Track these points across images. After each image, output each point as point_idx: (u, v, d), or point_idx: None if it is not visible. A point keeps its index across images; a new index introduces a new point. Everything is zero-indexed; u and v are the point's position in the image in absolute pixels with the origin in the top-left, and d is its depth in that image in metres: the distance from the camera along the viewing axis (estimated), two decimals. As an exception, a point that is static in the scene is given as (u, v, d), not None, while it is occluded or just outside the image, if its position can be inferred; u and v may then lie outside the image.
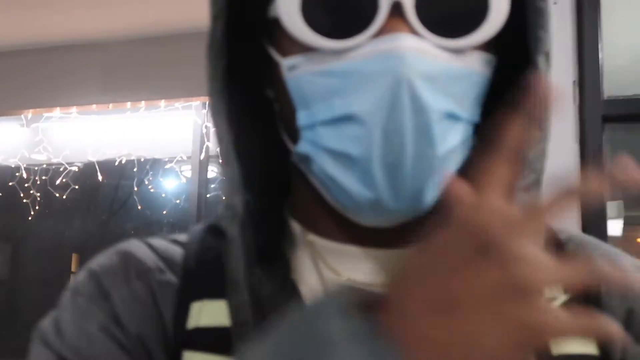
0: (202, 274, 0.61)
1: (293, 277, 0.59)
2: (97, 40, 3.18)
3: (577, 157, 2.03)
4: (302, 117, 0.54)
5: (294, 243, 0.62)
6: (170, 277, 0.60)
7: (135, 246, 0.63)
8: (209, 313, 0.59)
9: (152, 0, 2.87)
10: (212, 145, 3.25)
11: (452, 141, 0.52)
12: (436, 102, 0.50)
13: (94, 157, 3.39)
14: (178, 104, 3.22)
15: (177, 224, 4.06)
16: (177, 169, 3.55)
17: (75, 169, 3.48)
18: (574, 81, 2.03)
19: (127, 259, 0.61)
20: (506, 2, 0.53)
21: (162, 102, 3.20)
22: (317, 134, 0.53)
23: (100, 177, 3.43)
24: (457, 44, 0.52)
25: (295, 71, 0.54)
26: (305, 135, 0.54)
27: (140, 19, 3.04)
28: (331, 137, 0.52)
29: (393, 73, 0.48)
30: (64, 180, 3.49)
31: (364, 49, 0.50)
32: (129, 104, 3.24)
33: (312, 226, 0.61)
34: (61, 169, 3.47)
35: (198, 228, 0.65)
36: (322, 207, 0.58)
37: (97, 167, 3.41)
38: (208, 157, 3.27)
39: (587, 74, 2.03)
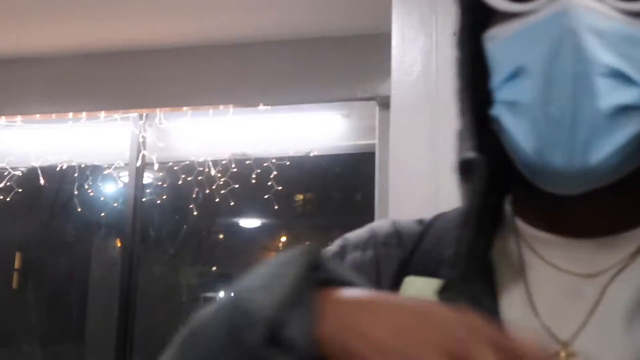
0: (425, 253, 0.64)
1: (494, 260, 0.59)
2: (43, 55, 3.24)
3: None
4: (494, 80, 0.55)
5: (505, 225, 0.62)
6: (397, 251, 0.65)
7: (381, 223, 0.71)
8: (416, 286, 0.61)
9: (95, 17, 2.94)
10: (148, 154, 3.39)
11: (621, 100, 0.49)
12: (603, 56, 0.48)
13: (37, 163, 3.45)
14: (117, 115, 3.31)
15: (114, 226, 4.10)
16: (115, 175, 3.62)
17: (19, 173, 3.53)
18: None
19: (370, 232, 0.69)
20: None
21: (102, 114, 3.28)
22: (502, 92, 0.54)
23: (42, 181, 3.49)
24: (634, 7, 0.50)
25: (492, 41, 0.57)
26: (495, 96, 0.55)
27: (84, 36, 3.12)
28: (509, 91, 0.53)
29: (560, 26, 0.48)
30: (7, 183, 3.54)
31: (541, 10, 0.52)
32: (71, 114, 3.31)
33: (520, 211, 0.62)
34: (5, 173, 3.52)
35: (449, 212, 0.69)
36: (526, 190, 0.58)
37: (39, 172, 3.46)
38: (144, 165, 3.39)
39: None
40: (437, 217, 0.68)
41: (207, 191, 3.62)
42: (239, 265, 8.56)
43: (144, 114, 3.30)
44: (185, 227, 7.48)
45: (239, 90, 3.13)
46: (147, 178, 3.63)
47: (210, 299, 8.74)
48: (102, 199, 3.90)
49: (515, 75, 0.52)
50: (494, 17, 0.55)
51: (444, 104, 2.05)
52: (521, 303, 0.57)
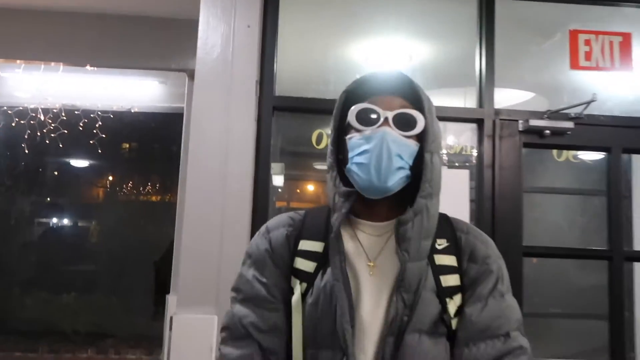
0: (307, 228, 1.21)
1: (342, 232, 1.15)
2: None
3: (256, 133, 2.37)
4: (350, 154, 1.13)
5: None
6: (293, 229, 1.21)
7: (281, 217, 1.24)
8: (309, 245, 1.18)
9: None
10: None
11: (399, 164, 1.11)
12: (394, 148, 1.10)
13: None
14: None
15: None
16: None
17: None
18: (256, 80, 2.36)
19: (280, 220, 1.23)
20: (423, 122, 1.12)
21: None
22: (354, 159, 1.12)
23: None
24: (405, 134, 1.12)
25: (351, 140, 1.14)
26: (350, 161, 1.13)
27: None
28: (358, 158, 1.11)
29: (381, 137, 1.10)
30: None
31: (374, 130, 1.11)
32: None
33: (354, 213, 1.19)
34: None
35: (317, 207, 1.26)
36: (357, 207, 1.17)
37: None
38: None
39: (266, 77, 2.41)
40: (308, 211, 1.27)
41: (39, 134, 3.90)
42: (70, 197, 8.70)
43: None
44: (22, 163, 7.43)
45: (69, 51, 3.30)
46: None
47: (43, 224, 8.75)
48: None
49: (362, 153, 1.11)
50: (350, 129, 1.15)
51: (236, 79, 2.35)
52: (355, 247, 1.17)
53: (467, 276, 1.15)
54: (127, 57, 3.36)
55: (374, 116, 1.11)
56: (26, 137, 3.89)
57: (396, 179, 1.10)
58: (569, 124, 2.31)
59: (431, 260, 1.14)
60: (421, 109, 1.13)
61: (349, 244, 1.16)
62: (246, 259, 1.22)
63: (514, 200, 2.34)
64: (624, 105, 2.49)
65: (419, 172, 1.13)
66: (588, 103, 2.23)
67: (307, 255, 1.17)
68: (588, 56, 2.36)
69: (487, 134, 2.38)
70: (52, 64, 3.39)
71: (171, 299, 2.18)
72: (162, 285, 2.20)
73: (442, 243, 1.17)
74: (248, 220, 2.25)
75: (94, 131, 3.87)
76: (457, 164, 2.75)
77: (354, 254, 1.15)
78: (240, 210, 2.25)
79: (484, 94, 2.42)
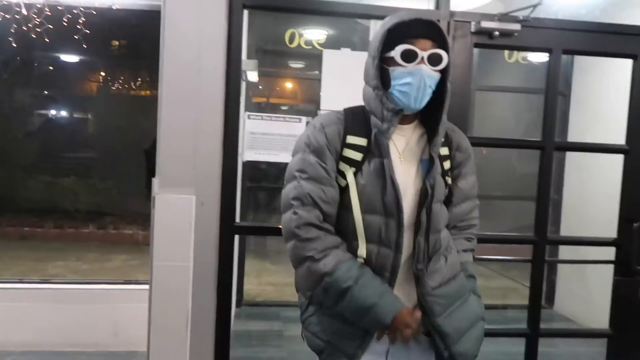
0: (352, 125, 1.47)
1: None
2: None
3: (227, 30, 2.20)
4: (393, 82, 1.41)
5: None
6: (341, 126, 1.47)
7: (330, 114, 1.50)
8: (355, 140, 1.45)
9: None
10: None
11: (429, 91, 1.41)
12: (428, 81, 1.39)
13: None
14: None
15: None
16: None
17: None
18: None
19: (329, 117, 1.49)
20: (447, 59, 1.39)
21: None
22: (396, 87, 1.41)
23: None
24: (434, 69, 1.39)
25: (394, 71, 1.41)
26: (393, 87, 1.42)
27: None
28: (401, 88, 1.40)
29: (420, 73, 1.38)
30: None
31: (413, 66, 1.38)
32: None
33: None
34: None
35: (353, 107, 1.52)
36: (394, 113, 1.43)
37: None
38: None
39: None
40: (347, 111, 1.52)
41: (25, 29, 3.68)
42: (65, 91, 8.47)
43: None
44: (18, 58, 7.09)
45: None
46: None
47: (42, 115, 8.59)
48: None
49: (405, 84, 1.39)
50: (392, 62, 1.40)
51: None
52: (391, 143, 1.45)
53: (455, 161, 1.56)
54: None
55: (414, 55, 1.36)
56: (12, 31, 3.67)
57: (424, 102, 1.41)
58: (516, 26, 2.25)
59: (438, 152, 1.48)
60: (445, 49, 1.39)
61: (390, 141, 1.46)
62: (306, 148, 1.43)
63: (464, 96, 2.33)
64: (568, 9, 2.42)
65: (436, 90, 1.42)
66: (534, 6, 2.16)
67: (355, 147, 1.44)
68: (539, -40, 2.24)
69: (442, 34, 2.30)
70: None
71: (155, 181, 2.17)
72: (152, 170, 2.19)
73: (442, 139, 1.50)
74: (221, 109, 2.21)
75: (78, 27, 3.66)
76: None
77: (392, 149, 1.45)
78: (214, 100, 2.20)
79: (441, -5, 2.32)
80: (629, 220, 2.37)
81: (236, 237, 2.61)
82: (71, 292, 3.55)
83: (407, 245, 1.43)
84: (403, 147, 1.48)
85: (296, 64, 6.42)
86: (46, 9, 3.58)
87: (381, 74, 1.42)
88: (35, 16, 3.60)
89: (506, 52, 4.32)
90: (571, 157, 4.26)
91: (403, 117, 1.45)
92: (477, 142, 2.54)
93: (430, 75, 1.38)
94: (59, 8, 3.60)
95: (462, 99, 2.32)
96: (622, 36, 2.32)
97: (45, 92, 8.27)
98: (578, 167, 4.16)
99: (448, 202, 1.56)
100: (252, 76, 3.32)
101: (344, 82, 2.28)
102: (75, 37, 3.69)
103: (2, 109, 6.99)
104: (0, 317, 3.41)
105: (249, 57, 2.71)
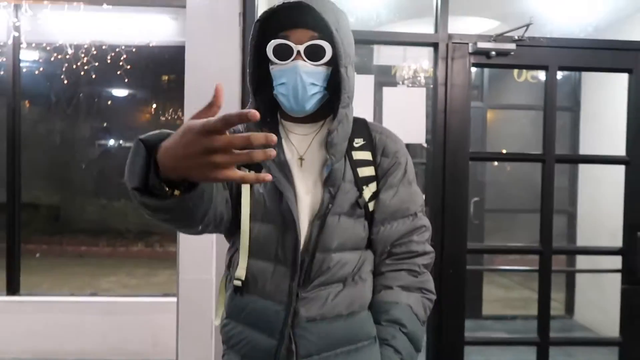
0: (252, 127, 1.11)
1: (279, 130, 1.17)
2: None
3: (241, 59, 2.26)
4: (274, 82, 1.11)
5: (280, 124, 1.20)
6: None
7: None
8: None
9: None
10: (22, 36, 3.50)
11: (313, 91, 1.10)
12: (307, 79, 1.08)
13: None
14: None
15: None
16: None
17: None
18: (239, 13, 2.29)
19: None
20: (330, 51, 1.08)
21: None
22: (277, 87, 1.11)
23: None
24: (315, 64, 1.09)
25: (272, 70, 1.11)
26: (275, 89, 1.11)
27: None
28: (280, 88, 1.10)
29: (294, 70, 1.07)
30: None
31: (288, 63, 1.08)
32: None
33: (283, 117, 1.20)
34: None
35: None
36: (284, 112, 1.16)
37: None
38: (18, 43, 3.49)
39: (248, 9, 2.31)
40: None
41: (75, 67, 3.87)
42: (120, 122, 8.79)
43: (13, 4, 3.39)
44: (81, 94, 7.43)
45: None
46: (28, 55, 3.72)
47: (102, 145, 8.95)
48: None
49: (282, 84, 1.10)
50: (270, 60, 1.10)
51: (221, 12, 2.27)
52: (287, 143, 1.17)
53: (381, 168, 1.18)
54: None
55: (288, 50, 1.08)
56: (64, 69, 3.87)
57: (313, 102, 1.12)
58: (512, 46, 2.22)
59: (349, 156, 1.16)
60: (330, 35, 1.08)
61: (283, 143, 1.17)
62: None
63: (463, 114, 2.30)
64: (562, 28, 2.37)
65: (336, 84, 1.11)
66: (527, 26, 2.13)
67: None
68: (532, -17, 2.22)
69: (441, 56, 2.30)
70: (74, 3, 3.33)
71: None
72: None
73: (359, 142, 1.18)
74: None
75: (120, 64, 3.82)
76: (418, 83, 2.68)
77: (287, 151, 1.16)
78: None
79: (440, 20, 2.31)
80: (633, 228, 2.26)
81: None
82: (116, 305, 3.64)
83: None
84: (304, 150, 1.17)
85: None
86: (93, 49, 3.75)
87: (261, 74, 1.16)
88: (83, 55, 3.78)
89: (515, 71, 4.24)
90: (584, 170, 4.12)
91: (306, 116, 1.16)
92: (477, 157, 2.51)
93: (309, 71, 1.08)
94: (104, 47, 3.77)
95: (462, 115, 2.29)
96: (617, 52, 2.26)
97: (105, 124, 8.63)
98: (591, 180, 4.02)
99: (371, 219, 1.18)
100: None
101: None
102: (117, 72, 3.83)
103: (66, 141, 7.32)
104: (53, 328, 3.52)
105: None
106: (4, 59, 3.59)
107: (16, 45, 3.50)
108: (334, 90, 1.13)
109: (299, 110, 1.11)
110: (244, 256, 1.13)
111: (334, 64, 1.10)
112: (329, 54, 1.09)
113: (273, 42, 1.09)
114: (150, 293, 4.45)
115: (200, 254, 2.34)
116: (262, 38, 1.12)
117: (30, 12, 3.44)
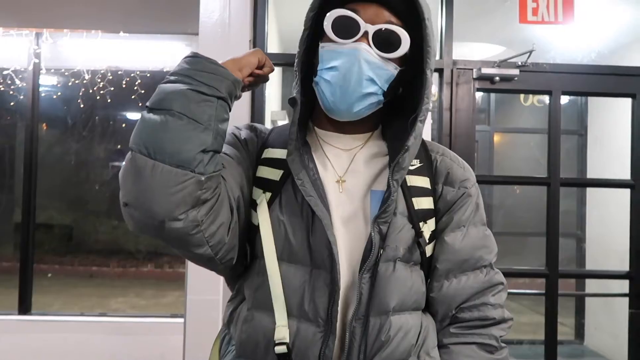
0: (273, 139, 0.92)
1: (309, 141, 0.89)
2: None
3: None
4: (320, 66, 0.84)
5: (312, 132, 0.93)
6: (260, 139, 0.93)
7: (253, 124, 0.97)
8: (272, 153, 0.90)
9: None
10: (41, 62, 3.56)
11: (369, 89, 0.82)
12: (367, 71, 0.81)
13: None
14: (12, 31, 3.42)
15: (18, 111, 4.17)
16: (15, 76, 3.72)
17: None
18: (250, 40, 2.33)
19: (253, 126, 0.96)
20: (408, 43, 0.81)
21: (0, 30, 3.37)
22: (322, 73, 0.84)
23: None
24: (384, 55, 0.82)
25: (323, 48, 0.84)
26: (319, 74, 0.84)
27: None
28: (326, 74, 0.83)
29: (355, 53, 0.80)
30: None
31: (348, 45, 0.82)
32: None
33: (318, 124, 0.94)
34: None
35: (282, 124, 0.97)
36: (323, 115, 0.90)
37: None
38: (38, 69, 3.56)
39: (258, 37, 2.36)
40: (274, 127, 0.97)
41: (91, 91, 3.96)
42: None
43: (34, 32, 3.51)
44: (97, 117, 7.58)
45: (106, 20, 3.26)
46: (46, 80, 3.83)
47: (116, 167, 9.08)
48: (11, 92, 3.92)
49: (331, 68, 0.82)
50: (325, 36, 0.84)
51: (233, 39, 2.31)
52: (321, 159, 0.90)
53: (443, 200, 0.90)
54: (151, 23, 3.34)
55: (352, 27, 0.82)
56: (80, 94, 3.97)
57: (364, 105, 0.84)
58: (515, 71, 2.26)
59: (403, 182, 0.86)
60: (418, 22, 0.82)
61: (315, 157, 0.89)
62: None
63: (468, 137, 2.33)
64: (566, 54, 2.41)
65: (395, 95, 0.89)
66: (529, 53, 2.17)
67: (274, 163, 0.89)
68: (535, 11, 2.26)
69: (446, 81, 2.34)
70: (92, 31, 3.42)
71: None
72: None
73: (414, 163, 0.90)
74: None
75: (135, 88, 3.91)
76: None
77: (321, 168, 0.88)
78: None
79: (444, 47, 2.36)
80: (640, 252, 2.26)
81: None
82: (125, 325, 3.65)
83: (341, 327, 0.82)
84: (345, 168, 0.89)
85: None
86: (109, 74, 3.85)
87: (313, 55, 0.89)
88: (99, 80, 3.88)
89: (522, 95, 4.27)
90: (592, 192, 4.10)
91: (341, 122, 0.89)
92: (483, 181, 2.52)
93: (372, 61, 0.82)
94: (119, 72, 3.87)
95: (467, 139, 2.32)
96: (620, 77, 2.28)
97: (119, 146, 8.75)
98: (599, 202, 4.00)
99: (431, 271, 0.90)
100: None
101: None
102: (132, 97, 3.92)
103: (81, 162, 7.45)
104: (63, 347, 3.54)
105: (275, 106, 2.80)
106: (24, 84, 3.68)
107: (36, 71, 3.59)
108: (392, 99, 0.89)
109: (344, 109, 0.84)
110: (281, 311, 0.81)
111: (408, 63, 0.86)
112: (404, 48, 0.83)
113: (336, 12, 0.82)
114: (159, 313, 4.45)
115: (208, 275, 2.33)
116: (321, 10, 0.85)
117: (50, 40, 3.54)
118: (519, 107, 4.67)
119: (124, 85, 3.91)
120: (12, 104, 3.99)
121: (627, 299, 2.26)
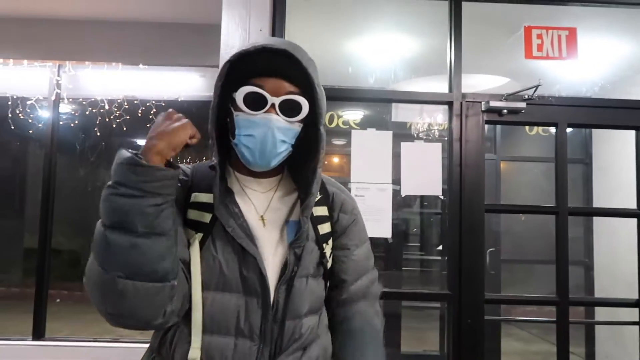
0: (199, 182, 1.06)
1: (230, 187, 1.04)
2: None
3: None
4: (237, 131, 0.99)
5: (232, 176, 1.09)
6: (187, 181, 1.05)
7: (182, 165, 1.08)
8: (200, 198, 1.03)
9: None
10: (62, 92, 3.69)
11: (282, 148, 1.00)
12: (279, 135, 0.98)
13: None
14: (36, 63, 3.59)
15: (38, 139, 4.26)
16: (37, 105, 3.83)
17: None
18: None
19: (184, 170, 1.08)
20: (307, 107, 0.99)
21: (25, 62, 3.56)
22: (240, 138, 0.99)
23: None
24: (289, 120, 0.99)
25: (238, 117, 0.99)
26: (237, 138, 0.99)
27: (19, 5, 3.29)
28: (245, 140, 0.99)
29: (268, 123, 0.97)
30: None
31: (260, 115, 0.97)
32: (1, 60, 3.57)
33: (237, 169, 1.09)
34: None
35: (202, 163, 1.11)
36: (241, 163, 1.05)
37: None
38: (59, 99, 3.66)
39: None
40: (196, 168, 1.11)
41: (107, 120, 4.08)
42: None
43: (57, 64, 3.65)
44: (103, 143, 7.70)
45: (126, 53, 3.48)
46: (64, 108, 3.91)
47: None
48: (30, 120, 4.01)
49: (248, 135, 0.99)
50: (237, 106, 0.99)
51: None
52: (244, 201, 1.06)
53: (340, 224, 1.14)
54: (170, 56, 3.52)
55: (261, 101, 0.97)
56: (97, 122, 4.07)
57: (279, 159, 1.03)
58: (522, 104, 2.34)
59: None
60: (310, 88, 0.99)
61: (239, 200, 1.05)
62: None
63: (478, 168, 2.40)
64: (571, 87, 2.50)
65: (300, 142, 1.05)
66: (536, 87, 2.25)
67: (202, 206, 1.03)
68: (540, 48, 2.36)
69: (456, 113, 2.42)
70: (113, 63, 3.55)
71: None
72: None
73: (317, 197, 1.11)
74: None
75: (150, 117, 4.02)
76: (432, 139, 2.79)
77: (245, 209, 1.05)
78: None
79: (454, 80, 2.46)
80: (648, 281, 2.29)
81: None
82: (137, 350, 3.65)
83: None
84: (265, 207, 1.08)
85: (338, 141, 6.69)
86: (125, 103, 3.97)
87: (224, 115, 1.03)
88: (115, 109, 3.99)
89: (527, 126, 4.36)
90: (599, 221, 4.14)
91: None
92: (492, 209, 2.57)
93: (281, 127, 0.99)
94: (135, 102, 3.99)
95: (477, 169, 2.39)
96: (625, 110, 2.36)
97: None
98: (606, 230, 4.03)
99: (338, 279, 1.15)
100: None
101: (369, 157, 2.40)
102: (147, 125, 4.02)
103: (87, 188, 7.57)
104: (74, 372, 3.56)
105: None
106: (43, 113, 3.79)
107: (57, 100, 3.70)
108: (297, 146, 1.06)
109: (263, 166, 1.02)
110: (197, 332, 0.97)
111: (308, 120, 1.03)
112: (304, 111, 0.99)
113: (245, 89, 0.97)
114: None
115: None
116: (228, 80, 1.00)
117: (72, 71, 3.66)
118: (524, 136, 4.75)
119: (139, 114, 4.02)
120: (30, 131, 4.07)
121: (637, 328, 2.28)
